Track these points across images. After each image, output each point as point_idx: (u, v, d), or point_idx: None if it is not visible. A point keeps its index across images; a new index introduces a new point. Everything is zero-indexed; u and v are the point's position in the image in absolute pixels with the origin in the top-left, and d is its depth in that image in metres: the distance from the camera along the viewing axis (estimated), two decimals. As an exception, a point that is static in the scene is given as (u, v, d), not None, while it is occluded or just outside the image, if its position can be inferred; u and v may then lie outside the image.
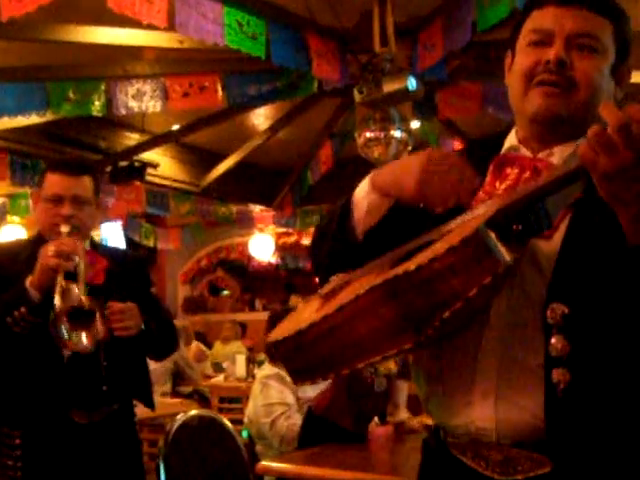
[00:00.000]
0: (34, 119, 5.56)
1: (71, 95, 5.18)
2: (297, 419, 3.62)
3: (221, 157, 7.90)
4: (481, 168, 1.38)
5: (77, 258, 2.38)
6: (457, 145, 6.73)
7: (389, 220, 1.39)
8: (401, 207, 1.36)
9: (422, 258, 1.16)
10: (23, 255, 2.54)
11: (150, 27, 4.08)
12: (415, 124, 5.59)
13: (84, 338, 2.35)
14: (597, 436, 1.25)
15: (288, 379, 3.74)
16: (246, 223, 9.38)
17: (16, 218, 8.36)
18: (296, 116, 6.50)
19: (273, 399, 3.71)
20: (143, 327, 2.55)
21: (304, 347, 1.26)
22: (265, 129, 7.13)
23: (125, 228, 8.91)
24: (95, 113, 5.29)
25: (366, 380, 3.40)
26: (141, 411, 2.92)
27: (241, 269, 12.59)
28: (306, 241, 10.04)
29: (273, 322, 4.13)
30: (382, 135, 4.80)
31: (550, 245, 1.26)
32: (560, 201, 1.22)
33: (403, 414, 3.53)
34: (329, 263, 1.49)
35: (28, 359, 2.49)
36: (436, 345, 1.36)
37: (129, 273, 2.73)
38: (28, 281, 2.35)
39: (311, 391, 3.70)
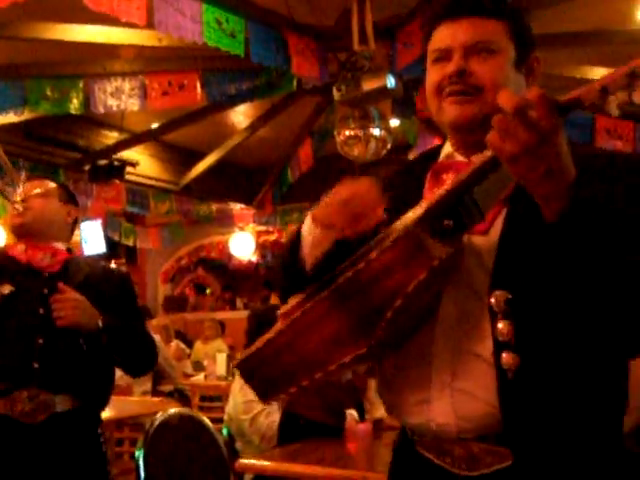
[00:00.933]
0: (11, 117, 5.53)
1: (49, 93, 5.15)
2: (277, 416, 3.63)
3: (201, 155, 7.89)
4: (422, 179, 1.45)
5: None
6: (437, 142, 6.74)
7: (336, 252, 1.42)
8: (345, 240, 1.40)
9: (360, 264, 1.21)
10: None
11: (129, 25, 4.07)
12: (394, 122, 5.62)
13: None
14: (551, 419, 1.29)
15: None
16: (226, 221, 9.37)
17: (-6, 218, 8.30)
18: (276, 114, 6.50)
19: (253, 396, 3.69)
20: (100, 326, 2.54)
21: (265, 364, 1.31)
22: (245, 127, 7.13)
23: (105, 227, 8.86)
24: (73, 111, 5.26)
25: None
26: (120, 410, 2.90)
27: (221, 268, 12.59)
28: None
29: (254, 321, 4.13)
30: (361, 133, 4.82)
31: (489, 239, 1.33)
32: (492, 195, 1.28)
33: (381, 411, 3.55)
34: (286, 290, 1.53)
35: None
36: (394, 349, 1.39)
37: (107, 286, 2.75)
38: None
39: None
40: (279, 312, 1.44)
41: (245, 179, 8.87)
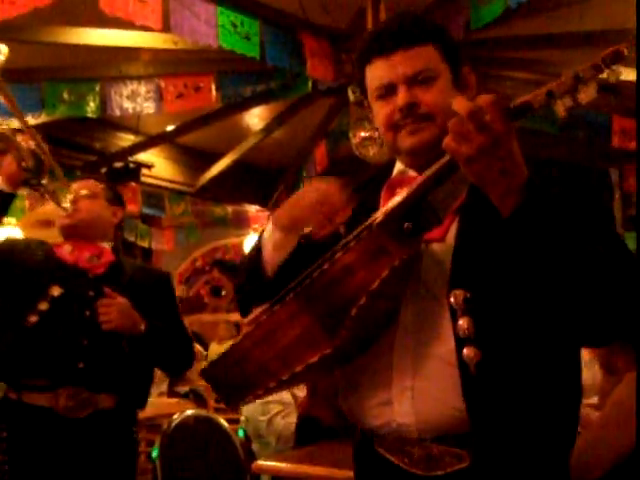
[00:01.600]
0: (29, 120, 5.55)
1: (66, 96, 5.18)
2: (294, 418, 3.64)
3: (216, 157, 7.89)
4: (377, 194, 1.52)
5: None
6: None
7: (298, 255, 1.48)
8: (308, 242, 1.46)
9: (324, 265, 1.26)
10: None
11: (144, 28, 4.09)
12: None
13: None
14: (512, 413, 1.32)
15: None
16: (241, 223, 9.37)
17: (12, 220, 8.34)
18: (291, 116, 6.50)
19: (270, 398, 3.72)
20: (142, 330, 2.64)
21: (231, 367, 1.34)
22: (260, 129, 7.14)
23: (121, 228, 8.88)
24: (90, 114, 5.29)
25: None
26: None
27: (237, 269, 12.58)
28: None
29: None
30: (376, 134, 4.81)
31: (445, 244, 1.39)
32: (448, 201, 1.36)
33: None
34: (249, 299, 1.59)
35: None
36: (358, 352, 1.42)
37: (150, 287, 2.86)
38: None
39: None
40: (244, 321, 1.48)
41: (260, 181, 8.87)
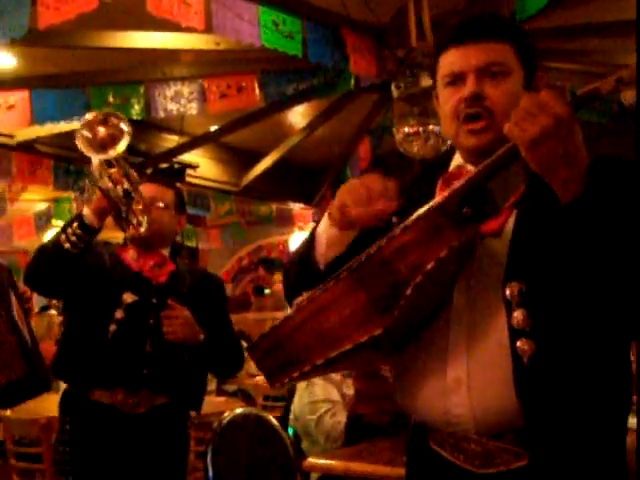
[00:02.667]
0: (75, 125, 5.63)
1: (111, 99, 5.24)
2: (342, 416, 3.62)
3: (260, 156, 7.92)
4: (432, 187, 1.50)
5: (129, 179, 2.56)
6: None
7: (353, 252, 1.45)
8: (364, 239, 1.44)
9: (381, 242, 1.25)
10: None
11: (187, 30, 4.12)
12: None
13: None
14: (566, 406, 1.31)
15: (333, 376, 3.79)
16: (286, 221, 9.40)
17: (61, 222, 8.48)
18: (334, 113, 6.49)
19: (318, 396, 3.72)
20: (201, 340, 2.73)
21: (280, 342, 1.33)
22: (303, 127, 7.14)
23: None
24: (135, 116, 5.34)
25: (389, 380, 3.42)
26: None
27: (282, 267, 12.61)
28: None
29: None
30: (421, 130, 4.78)
31: (502, 238, 1.38)
32: (505, 193, 1.36)
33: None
34: (298, 290, 1.57)
35: (80, 331, 2.74)
36: (408, 338, 1.41)
37: (207, 293, 2.94)
38: (85, 207, 2.57)
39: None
40: (294, 303, 1.46)
41: (304, 178, 8.88)
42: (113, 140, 2.47)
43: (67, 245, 2.52)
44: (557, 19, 4.79)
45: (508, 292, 1.34)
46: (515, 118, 1.20)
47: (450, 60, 1.49)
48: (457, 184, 1.32)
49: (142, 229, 2.67)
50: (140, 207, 2.66)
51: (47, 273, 2.62)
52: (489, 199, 1.31)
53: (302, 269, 1.57)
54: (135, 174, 2.59)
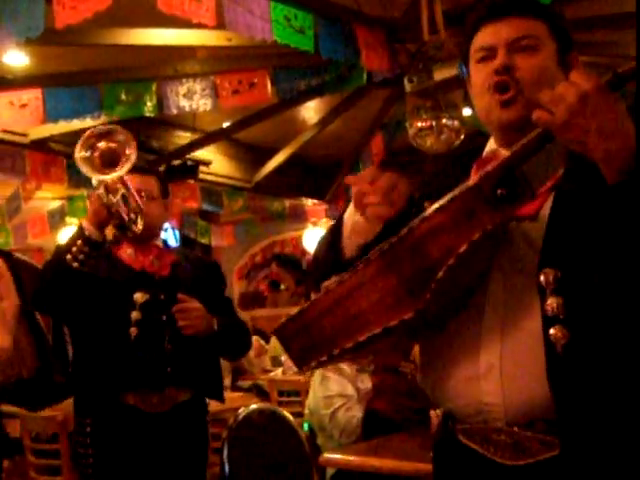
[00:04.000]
0: (88, 122, 5.66)
1: (123, 97, 5.25)
2: (357, 411, 3.63)
3: (272, 152, 7.92)
4: (466, 173, 1.47)
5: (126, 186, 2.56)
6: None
7: (380, 240, 1.44)
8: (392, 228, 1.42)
9: (412, 224, 1.22)
10: None
11: (198, 26, 4.12)
12: (467, 111, 5.54)
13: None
14: (600, 396, 1.27)
15: (347, 370, 3.79)
16: (299, 217, 9.40)
17: (74, 220, 8.51)
18: (346, 108, 6.48)
19: (332, 391, 3.72)
20: (215, 328, 2.72)
21: (307, 325, 1.31)
22: (315, 123, 7.14)
23: (181, 226, 9.00)
24: (147, 114, 5.36)
25: (408, 376, 3.42)
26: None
27: (295, 263, 12.64)
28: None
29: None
30: (434, 124, 4.77)
31: (537, 222, 1.34)
32: (541, 176, 1.31)
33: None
34: (324, 276, 1.56)
35: (98, 337, 2.71)
36: (439, 323, 1.39)
37: (204, 276, 2.92)
38: (84, 221, 2.55)
39: (370, 382, 3.71)
40: (322, 286, 1.45)
41: (317, 174, 8.88)
42: (116, 156, 2.47)
43: (76, 264, 2.51)
44: (568, 11, 4.75)
45: (542, 278, 1.31)
46: (542, 102, 1.18)
47: (482, 36, 1.49)
48: (492, 165, 1.29)
49: (139, 227, 2.65)
50: (134, 205, 2.64)
51: (58, 294, 2.60)
52: (524, 182, 1.27)
53: (329, 255, 1.56)
54: (133, 192, 2.60)
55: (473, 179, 1.29)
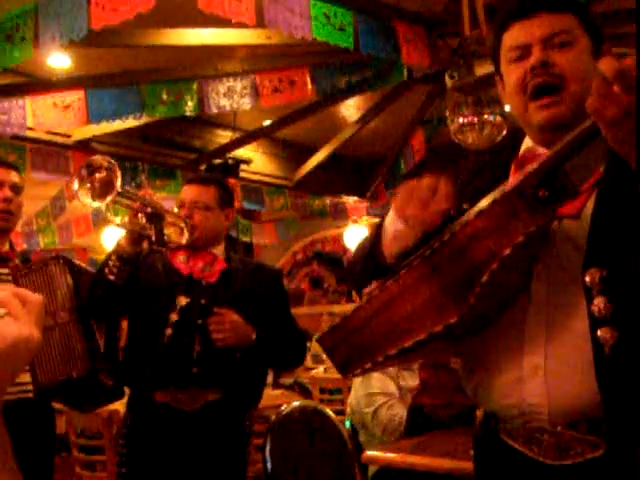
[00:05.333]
0: (131, 122, 5.72)
1: (165, 97, 5.29)
2: (399, 409, 3.61)
3: (313, 150, 7.93)
4: (504, 173, 1.45)
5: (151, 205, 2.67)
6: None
7: (420, 247, 1.43)
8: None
9: (454, 228, 1.21)
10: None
11: (238, 25, 4.13)
12: (509, 107, 5.50)
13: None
14: None
15: (390, 368, 3.77)
16: (340, 215, 9.38)
17: (118, 219, 8.60)
18: (387, 105, 6.46)
19: (374, 389, 3.71)
20: (253, 339, 2.76)
21: (351, 333, 1.31)
22: (356, 120, 7.12)
23: (224, 225, 9.02)
24: (188, 113, 5.39)
25: (458, 372, 3.39)
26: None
27: (336, 261, 12.64)
28: (401, 230, 9.96)
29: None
30: (475, 120, 4.72)
31: (580, 221, 1.32)
32: (584, 174, 1.28)
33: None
34: (364, 279, 1.55)
35: (139, 337, 2.83)
36: (483, 326, 1.37)
37: (261, 287, 2.94)
38: (120, 238, 2.70)
39: (411, 380, 3.70)
40: (364, 292, 1.44)
41: (358, 172, 8.87)
42: (109, 181, 2.55)
43: (111, 277, 2.68)
44: (601, 5, 4.67)
45: (588, 279, 1.28)
46: (596, 94, 1.12)
47: (514, 35, 1.46)
48: (533, 166, 1.26)
49: (183, 240, 2.78)
50: (175, 219, 2.79)
51: (102, 303, 2.75)
52: (567, 181, 1.25)
53: (368, 260, 1.55)
54: (150, 196, 2.77)
55: (513, 181, 1.27)
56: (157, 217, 2.66)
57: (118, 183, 2.50)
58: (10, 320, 0.84)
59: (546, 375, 1.32)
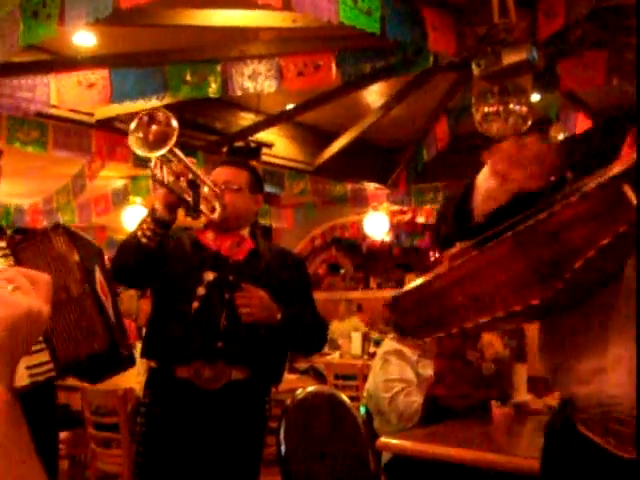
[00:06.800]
0: (153, 103, 5.71)
1: (188, 78, 5.28)
2: (416, 396, 3.60)
3: (335, 135, 7.90)
4: (617, 140, 1.36)
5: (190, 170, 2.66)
6: (581, 118, 6.48)
7: (512, 207, 1.37)
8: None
9: (554, 208, 1.14)
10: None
11: (264, 7, 4.10)
12: (535, 97, 5.42)
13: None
14: None
15: (408, 355, 3.76)
16: (360, 201, 9.36)
17: (138, 199, 8.63)
18: (411, 92, 6.42)
19: (393, 375, 3.70)
20: (278, 318, 2.77)
21: (427, 299, 1.27)
22: (379, 106, 7.08)
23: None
24: (212, 95, 5.38)
25: (474, 364, 3.38)
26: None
27: (354, 247, 12.63)
28: (421, 219, 9.94)
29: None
30: (501, 109, 4.68)
31: None
32: None
33: (525, 396, 3.48)
34: (451, 237, 1.50)
35: (165, 309, 2.85)
36: (563, 309, 1.32)
37: (285, 271, 2.97)
38: (156, 201, 2.68)
39: (430, 369, 3.68)
40: (445, 254, 1.40)
41: (379, 158, 8.83)
42: (164, 136, 2.54)
43: (144, 240, 2.65)
44: None
45: None
46: None
47: None
48: None
49: (215, 215, 2.78)
50: (211, 193, 2.77)
51: (131, 267, 2.74)
52: None
53: (457, 217, 1.50)
54: (193, 164, 2.69)
55: (623, 164, 1.18)
56: (196, 185, 2.66)
57: (173, 140, 2.50)
58: (20, 294, 0.84)
59: (630, 366, 1.26)
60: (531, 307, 1.15)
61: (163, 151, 2.51)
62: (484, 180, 1.44)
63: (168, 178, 2.63)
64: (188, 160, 2.66)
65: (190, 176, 2.65)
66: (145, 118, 2.56)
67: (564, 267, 1.12)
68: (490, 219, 1.39)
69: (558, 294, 1.14)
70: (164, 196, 2.65)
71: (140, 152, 2.56)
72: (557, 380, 1.43)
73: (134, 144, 2.54)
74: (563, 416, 1.42)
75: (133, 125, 2.55)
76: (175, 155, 2.62)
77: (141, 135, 2.55)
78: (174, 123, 2.54)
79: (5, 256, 2.34)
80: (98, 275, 2.50)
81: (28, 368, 2.17)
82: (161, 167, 2.62)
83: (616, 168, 1.16)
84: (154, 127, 2.57)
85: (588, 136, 1.55)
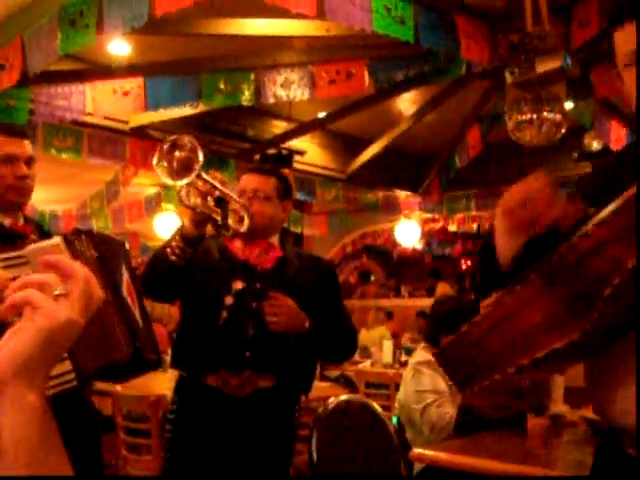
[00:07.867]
0: (187, 110, 5.76)
1: (222, 86, 5.32)
2: (448, 408, 3.56)
3: (367, 143, 7.91)
4: (631, 173, 1.34)
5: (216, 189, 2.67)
6: (615, 126, 6.42)
7: (528, 253, 1.38)
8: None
9: (572, 241, 1.13)
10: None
11: (297, 16, 4.12)
12: (569, 105, 5.38)
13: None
14: None
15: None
16: (392, 209, 9.35)
17: (170, 206, 8.70)
18: (443, 100, 6.41)
19: (425, 386, 3.67)
20: (306, 327, 2.75)
21: (468, 350, 1.26)
22: (411, 114, 7.08)
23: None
24: (245, 103, 5.42)
25: (507, 376, 3.34)
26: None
27: (386, 255, 12.60)
28: (452, 227, 9.90)
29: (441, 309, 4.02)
30: (534, 117, 4.64)
31: None
32: None
33: (561, 407, 3.43)
34: (484, 290, 1.49)
35: (193, 318, 2.85)
36: (608, 340, 1.29)
37: (315, 278, 2.94)
38: (185, 219, 2.73)
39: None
40: (481, 305, 1.39)
41: (411, 166, 8.81)
42: (189, 161, 2.55)
43: (173, 258, 2.70)
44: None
45: None
46: None
47: (627, 38, 1.36)
48: None
49: (243, 227, 2.77)
50: (237, 206, 2.77)
51: (161, 283, 2.79)
52: None
53: (483, 267, 1.53)
54: (219, 178, 2.71)
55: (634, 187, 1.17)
56: (224, 202, 2.68)
57: (199, 166, 2.51)
58: (64, 302, 0.85)
59: None
60: (573, 343, 1.13)
61: (190, 179, 2.53)
62: (498, 228, 1.45)
63: (195, 200, 2.65)
64: (213, 177, 2.67)
65: (217, 193, 2.66)
66: (166, 147, 2.57)
67: (594, 297, 1.10)
68: (516, 265, 1.39)
69: (596, 325, 1.12)
70: (192, 215, 2.68)
71: (168, 181, 2.59)
72: (603, 413, 1.42)
73: (162, 175, 2.57)
74: (612, 437, 1.40)
75: (155, 159, 2.56)
76: (201, 177, 2.63)
77: (165, 165, 2.57)
78: (198, 148, 2.54)
79: (22, 265, 2.31)
80: (124, 274, 2.49)
81: (50, 378, 2.17)
82: (187, 191, 2.64)
83: (630, 191, 1.14)
84: (177, 154, 2.58)
85: (604, 170, 1.53)
